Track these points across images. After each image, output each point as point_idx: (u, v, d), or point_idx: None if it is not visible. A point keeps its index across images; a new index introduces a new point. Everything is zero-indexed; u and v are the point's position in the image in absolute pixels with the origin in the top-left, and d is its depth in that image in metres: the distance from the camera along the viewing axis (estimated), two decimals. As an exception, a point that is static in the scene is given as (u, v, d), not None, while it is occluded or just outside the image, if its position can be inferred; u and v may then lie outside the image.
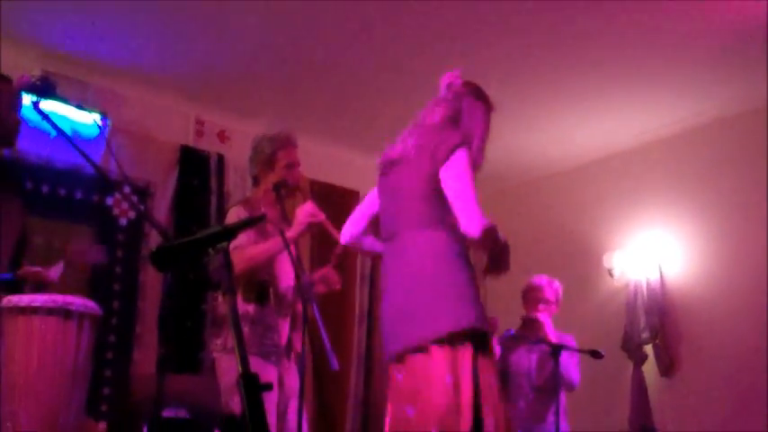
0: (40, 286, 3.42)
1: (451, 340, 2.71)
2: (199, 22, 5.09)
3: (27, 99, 3.62)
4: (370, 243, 3.26)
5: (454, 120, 3.01)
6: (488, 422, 2.64)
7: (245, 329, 3.71)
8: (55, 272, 3.58)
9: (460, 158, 2.84)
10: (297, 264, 3.58)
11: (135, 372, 5.56)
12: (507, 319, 5.00)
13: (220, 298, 3.93)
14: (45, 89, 3.18)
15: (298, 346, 3.94)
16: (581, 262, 6.67)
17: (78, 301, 3.13)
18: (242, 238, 3.65)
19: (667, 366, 6.03)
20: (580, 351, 4.82)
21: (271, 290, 3.93)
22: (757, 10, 4.68)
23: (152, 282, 5.81)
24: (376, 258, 3.49)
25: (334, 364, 3.75)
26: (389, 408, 2.85)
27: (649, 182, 6.44)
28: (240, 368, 1.67)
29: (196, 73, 5.81)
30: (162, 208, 5.96)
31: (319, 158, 6.09)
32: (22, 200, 3.67)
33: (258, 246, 3.80)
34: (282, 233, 3.58)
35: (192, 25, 5.13)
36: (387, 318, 2.92)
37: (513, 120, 6.03)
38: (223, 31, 5.20)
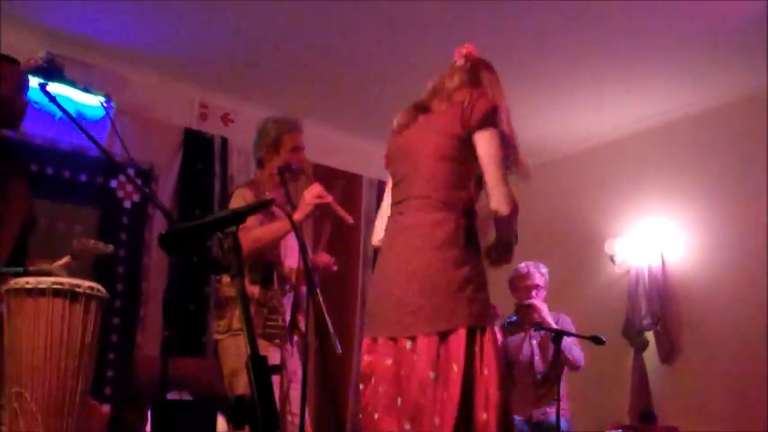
0: None
1: (443, 335, 2.67)
2: (203, 5, 5.09)
3: (34, 81, 3.63)
4: None
5: (474, 84, 2.97)
6: (479, 415, 2.62)
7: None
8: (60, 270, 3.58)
9: (495, 130, 2.83)
10: (301, 247, 3.59)
11: (138, 354, 5.58)
12: (503, 306, 5.03)
13: (224, 280, 3.94)
14: (52, 72, 3.18)
15: (302, 326, 3.98)
16: (582, 249, 6.69)
17: (85, 284, 3.14)
18: (249, 220, 3.66)
19: (668, 353, 6.05)
20: (582, 337, 4.84)
21: (275, 272, 3.95)
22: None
23: (156, 264, 5.83)
24: None
25: (338, 348, 3.79)
26: (373, 383, 2.80)
27: (651, 168, 6.44)
28: (249, 350, 1.69)
29: (200, 56, 5.81)
30: (166, 191, 5.98)
31: (323, 142, 6.08)
32: (27, 182, 3.67)
33: (264, 227, 3.82)
34: (290, 215, 3.61)
35: (196, 8, 5.13)
36: (382, 295, 2.85)
37: (513, 106, 5.99)
38: (227, 15, 5.20)
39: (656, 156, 6.44)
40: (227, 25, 5.34)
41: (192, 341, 5.74)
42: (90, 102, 5.36)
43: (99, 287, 3.22)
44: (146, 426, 4.78)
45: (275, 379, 3.72)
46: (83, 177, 5.60)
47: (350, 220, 3.86)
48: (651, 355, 6.13)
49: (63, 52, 5.33)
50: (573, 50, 5.46)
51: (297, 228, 3.58)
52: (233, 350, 3.81)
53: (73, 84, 4.83)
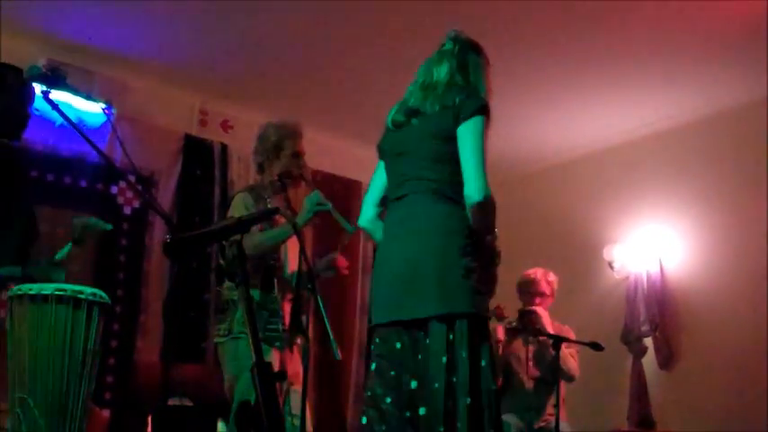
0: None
1: (451, 320, 2.72)
2: (203, 13, 5.11)
3: (37, 89, 3.64)
4: None
5: (463, 73, 2.97)
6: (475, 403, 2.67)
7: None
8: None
9: (479, 121, 2.81)
10: (304, 251, 3.61)
11: (138, 360, 5.59)
12: (511, 309, 5.09)
13: (224, 285, 3.96)
14: (55, 79, 3.19)
15: (302, 330, 3.99)
16: (581, 255, 6.69)
17: (88, 290, 3.16)
18: (250, 224, 3.69)
19: (667, 359, 6.06)
20: (580, 343, 4.86)
21: (276, 276, 3.97)
22: (757, 3, 4.71)
23: (156, 271, 5.84)
24: None
25: (338, 354, 3.80)
26: (383, 366, 2.82)
27: (649, 174, 6.45)
28: (254, 357, 1.70)
29: (200, 63, 5.83)
30: (166, 197, 5.99)
31: (322, 149, 6.10)
32: (29, 190, 3.69)
33: (265, 232, 3.84)
34: (294, 222, 3.62)
35: (196, 15, 5.15)
36: (388, 282, 2.88)
37: (512, 112, 6.05)
38: (227, 22, 5.22)
39: (654, 162, 6.45)
40: (226, 32, 5.36)
41: (191, 347, 5.74)
42: (91, 109, 5.37)
43: (101, 293, 3.25)
44: (146, 431, 4.79)
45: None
46: (83, 183, 5.62)
47: (350, 227, 3.88)
48: (650, 361, 6.13)
49: (63, 59, 5.35)
50: (572, 58, 5.48)
51: (300, 234, 3.60)
52: (233, 354, 3.82)
53: (75, 91, 4.81)
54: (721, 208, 5.93)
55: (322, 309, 3.70)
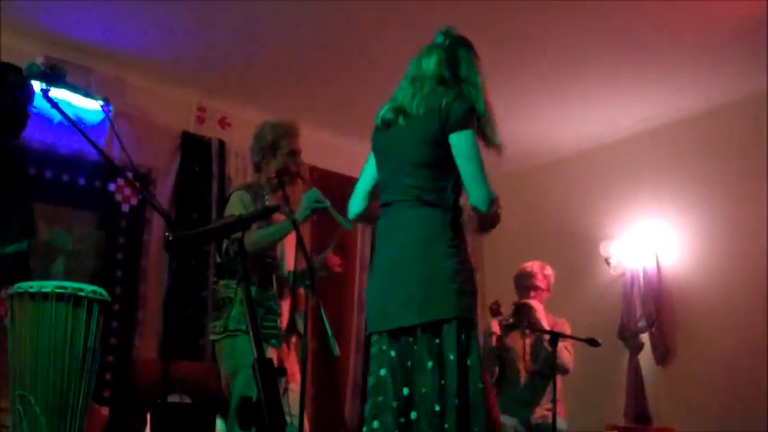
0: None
1: (437, 325, 2.75)
2: (201, 10, 5.11)
3: (36, 86, 3.65)
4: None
5: (451, 66, 2.99)
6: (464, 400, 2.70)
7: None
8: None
9: (471, 129, 2.84)
10: (303, 249, 3.63)
11: (137, 357, 5.60)
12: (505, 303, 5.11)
13: (221, 281, 3.96)
14: (55, 77, 3.20)
15: (300, 327, 4.01)
16: (578, 251, 6.71)
17: (88, 288, 3.17)
18: (248, 221, 3.69)
19: (663, 355, 6.08)
20: (577, 339, 4.88)
21: (273, 274, 3.98)
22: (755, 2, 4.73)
23: (154, 268, 5.85)
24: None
25: (336, 350, 3.81)
26: (381, 374, 2.83)
27: (646, 171, 6.48)
28: (255, 353, 1.72)
29: (197, 60, 5.83)
30: (163, 194, 6.00)
31: (319, 146, 6.12)
32: (28, 189, 3.70)
33: (264, 229, 3.85)
34: (294, 220, 3.63)
35: (194, 12, 5.15)
36: (376, 292, 2.93)
37: (509, 109, 6.01)
38: (224, 19, 5.22)
39: (651, 158, 6.47)
40: (224, 30, 5.37)
41: (189, 344, 5.75)
42: (89, 106, 5.37)
43: (101, 291, 3.26)
44: (145, 428, 4.80)
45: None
46: (81, 181, 5.63)
47: (348, 224, 3.89)
48: (646, 357, 6.16)
49: (61, 56, 5.35)
50: (570, 53, 5.49)
51: (299, 230, 3.62)
52: (230, 351, 3.83)
53: (74, 89, 4.81)
54: (718, 204, 5.96)
55: (320, 305, 3.73)
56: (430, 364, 2.72)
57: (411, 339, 2.79)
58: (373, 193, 3.14)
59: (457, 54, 3.03)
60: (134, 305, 5.72)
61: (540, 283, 5.20)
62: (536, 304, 5.08)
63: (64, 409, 3.06)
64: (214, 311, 4.10)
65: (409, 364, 2.78)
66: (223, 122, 6.47)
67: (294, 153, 4.12)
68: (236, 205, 3.90)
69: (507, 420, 4.96)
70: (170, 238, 1.87)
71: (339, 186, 6.75)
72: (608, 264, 6.54)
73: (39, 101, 3.48)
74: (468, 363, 2.75)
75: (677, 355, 6.06)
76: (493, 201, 2.83)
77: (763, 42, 5.14)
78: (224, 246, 3.66)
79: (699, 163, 6.14)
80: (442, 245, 2.80)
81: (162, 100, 6.13)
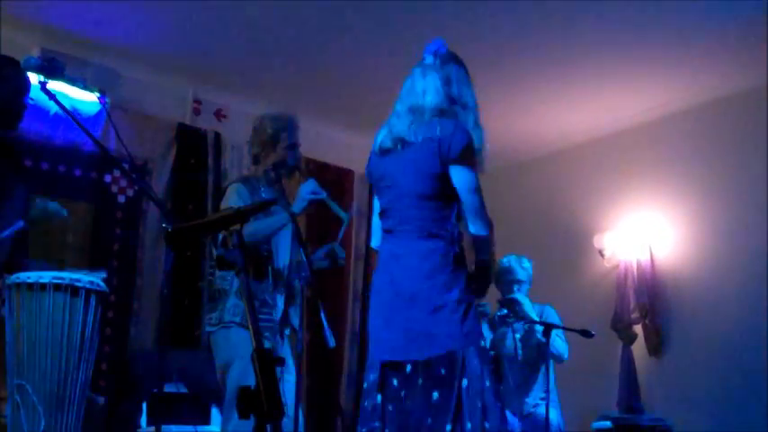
0: None
1: (438, 359, 2.79)
2: (197, 1, 5.12)
3: (34, 78, 3.66)
4: None
5: (446, 87, 2.98)
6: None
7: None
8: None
9: (471, 163, 2.88)
10: (301, 239, 3.64)
11: (132, 347, 5.62)
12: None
13: (217, 273, 3.98)
14: (52, 69, 3.22)
15: (294, 321, 4.03)
16: (571, 243, 6.74)
17: (85, 278, 3.19)
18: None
19: (656, 346, 6.11)
20: (571, 330, 4.89)
21: (269, 266, 4.00)
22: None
23: (149, 259, 5.87)
24: None
25: (332, 341, 3.84)
26: (380, 402, 2.89)
27: (640, 163, 6.49)
28: (254, 343, 1.74)
29: (193, 52, 5.83)
30: (159, 186, 6.01)
31: (314, 137, 6.12)
32: (25, 181, 3.72)
33: (259, 221, 3.86)
34: (292, 213, 3.65)
35: (190, 4, 5.15)
36: (379, 317, 2.97)
37: (502, 102, 6.09)
38: (221, 11, 5.22)
39: (644, 150, 6.48)
40: (220, 21, 5.37)
41: (186, 335, 5.77)
42: (85, 98, 5.39)
43: (98, 281, 3.28)
44: (141, 418, 4.83)
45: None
46: (77, 173, 5.64)
47: (344, 215, 3.92)
48: (639, 348, 6.18)
49: (57, 48, 5.35)
50: (563, 46, 5.49)
51: (296, 222, 3.63)
52: (225, 342, 3.85)
53: (72, 81, 4.84)
54: (711, 196, 5.98)
55: (317, 298, 3.75)
56: (435, 394, 2.76)
57: (413, 370, 2.84)
58: None
59: (449, 73, 3.02)
60: (130, 295, 5.74)
61: (521, 276, 5.20)
62: (522, 298, 5.08)
63: (61, 398, 3.09)
64: (209, 303, 4.12)
65: (409, 394, 2.83)
66: (219, 114, 6.48)
67: (294, 146, 4.12)
68: (233, 198, 3.90)
69: None
70: (169, 230, 1.89)
71: (334, 177, 6.84)
72: (602, 256, 6.55)
73: (35, 92, 3.49)
74: (487, 384, 2.79)
75: (670, 346, 6.09)
76: (490, 230, 2.92)
77: (763, 36, 5.14)
78: (220, 238, 3.67)
79: (692, 155, 6.15)
80: (444, 276, 2.85)
81: (158, 92, 6.14)
